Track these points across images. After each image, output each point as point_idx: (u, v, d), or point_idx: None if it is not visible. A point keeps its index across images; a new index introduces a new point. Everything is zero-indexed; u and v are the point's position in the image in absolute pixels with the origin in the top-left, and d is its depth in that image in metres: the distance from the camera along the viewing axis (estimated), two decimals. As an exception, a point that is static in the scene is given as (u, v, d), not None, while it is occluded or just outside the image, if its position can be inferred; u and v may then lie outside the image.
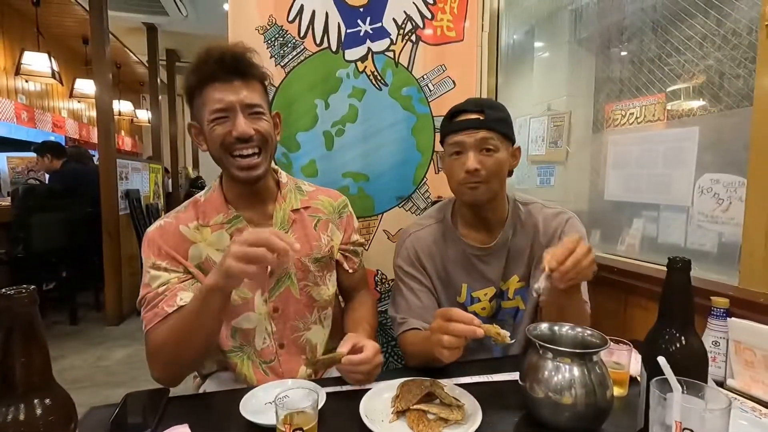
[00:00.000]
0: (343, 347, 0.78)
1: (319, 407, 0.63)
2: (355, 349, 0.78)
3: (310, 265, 0.95)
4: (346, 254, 1.04)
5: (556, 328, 0.72)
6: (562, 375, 0.63)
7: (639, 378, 0.77)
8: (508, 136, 0.96)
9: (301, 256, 0.94)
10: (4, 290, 0.38)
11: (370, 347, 0.78)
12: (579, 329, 0.70)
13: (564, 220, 0.99)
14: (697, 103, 1.36)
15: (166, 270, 0.86)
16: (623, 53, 1.75)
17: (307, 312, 0.96)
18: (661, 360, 0.47)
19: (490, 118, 0.93)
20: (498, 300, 1.04)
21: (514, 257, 1.01)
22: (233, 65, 0.84)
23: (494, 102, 1.01)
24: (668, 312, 0.57)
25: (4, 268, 3.20)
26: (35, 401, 0.39)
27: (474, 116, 0.94)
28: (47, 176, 3.90)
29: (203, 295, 0.75)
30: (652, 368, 0.56)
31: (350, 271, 1.04)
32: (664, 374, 0.49)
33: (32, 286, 0.38)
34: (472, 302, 1.03)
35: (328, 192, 1.06)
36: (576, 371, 0.62)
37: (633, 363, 0.77)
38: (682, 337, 0.55)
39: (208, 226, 0.90)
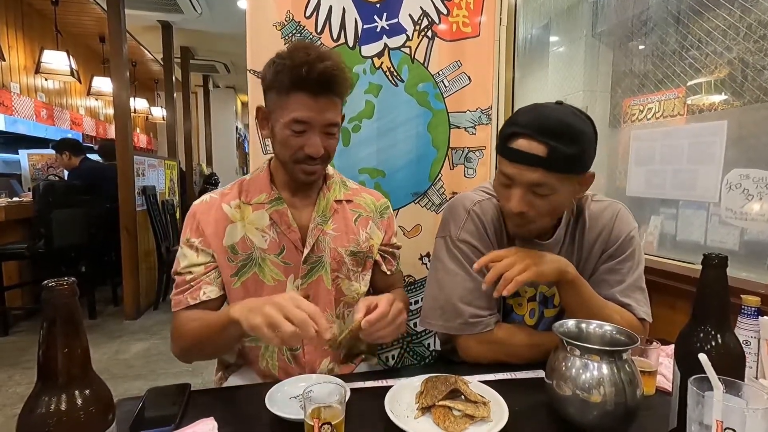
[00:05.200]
0: (358, 314, 0.76)
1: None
2: (370, 310, 0.76)
3: (345, 257, 0.95)
4: (386, 255, 1.03)
5: (583, 325, 0.71)
6: (590, 373, 0.62)
7: (666, 376, 0.75)
8: (578, 171, 0.79)
9: (337, 246, 0.94)
10: (45, 282, 0.39)
11: (383, 300, 0.77)
12: (607, 327, 0.69)
13: (612, 215, 0.90)
14: (718, 97, 1.33)
15: (196, 249, 0.90)
16: (641, 47, 1.72)
17: (335, 305, 0.97)
18: (703, 357, 0.46)
19: (555, 156, 0.75)
20: (541, 307, 0.97)
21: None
22: (327, 83, 0.82)
23: (568, 129, 0.76)
24: (703, 310, 0.56)
25: (25, 263, 3.29)
26: (76, 392, 0.40)
27: (533, 150, 0.75)
28: (66, 173, 3.98)
29: (224, 322, 0.75)
30: (686, 367, 0.55)
31: (388, 272, 1.03)
32: (698, 372, 0.48)
33: (72, 278, 0.39)
34: (514, 295, 0.95)
35: (372, 192, 1.06)
36: (605, 369, 0.61)
37: (662, 361, 0.76)
38: (718, 336, 0.54)
39: (250, 204, 0.92)
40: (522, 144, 0.77)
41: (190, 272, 0.89)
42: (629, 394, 0.61)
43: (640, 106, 1.57)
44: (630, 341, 0.64)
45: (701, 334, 0.55)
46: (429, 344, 1.49)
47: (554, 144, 0.74)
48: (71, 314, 0.39)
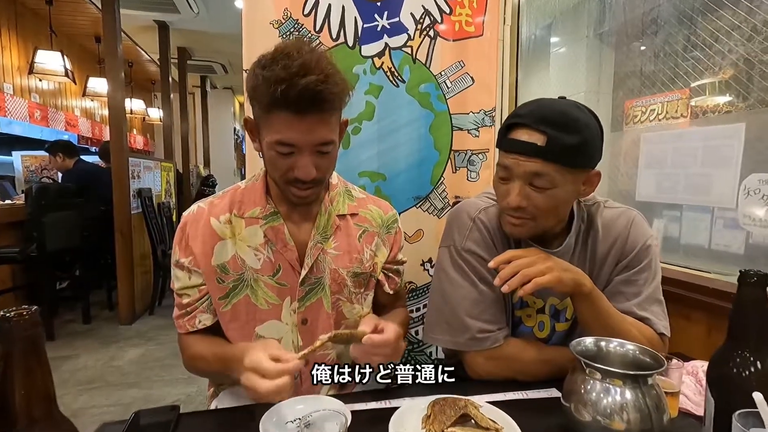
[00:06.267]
0: (364, 326, 0.73)
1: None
2: (376, 331, 0.73)
3: (347, 279, 0.88)
4: (389, 274, 0.96)
5: (602, 343, 0.66)
6: (612, 398, 0.57)
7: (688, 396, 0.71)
8: (580, 166, 0.76)
9: (339, 266, 0.88)
10: (3, 312, 0.33)
11: (392, 330, 0.73)
12: (629, 346, 0.64)
13: (627, 223, 0.85)
14: (723, 99, 1.29)
15: (188, 271, 0.85)
16: (644, 47, 1.69)
17: (334, 329, 0.90)
18: (758, 397, 0.41)
19: (553, 146, 0.71)
20: (552, 321, 0.91)
21: None
22: (312, 101, 0.70)
23: (570, 117, 0.73)
24: (740, 332, 0.51)
25: (18, 267, 3.22)
26: (38, 437, 0.35)
27: (532, 139, 0.72)
28: (60, 175, 3.92)
29: (229, 377, 0.76)
30: (721, 393, 0.50)
31: (390, 292, 0.96)
32: (735, 399, 0.44)
33: (34, 307, 0.34)
34: (522, 305, 0.91)
35: (379, 202, 0.97)
36: (629, 394, 0.56)
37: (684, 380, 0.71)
38: (758, 361, 0.49)
39: (242, 218, 0.85)
40: (521, 134, 0.75)
41: (187, 295, 0.86)
42: (656, 421, 0.56)
43: (642, 108, 1.53)
44: (656, 364, 0.59)
45: (737, 359, 0.50)
46: (431, 353, 1.44)
47: (553, 133, 0.71)
48: (33, 348, 0.34)
